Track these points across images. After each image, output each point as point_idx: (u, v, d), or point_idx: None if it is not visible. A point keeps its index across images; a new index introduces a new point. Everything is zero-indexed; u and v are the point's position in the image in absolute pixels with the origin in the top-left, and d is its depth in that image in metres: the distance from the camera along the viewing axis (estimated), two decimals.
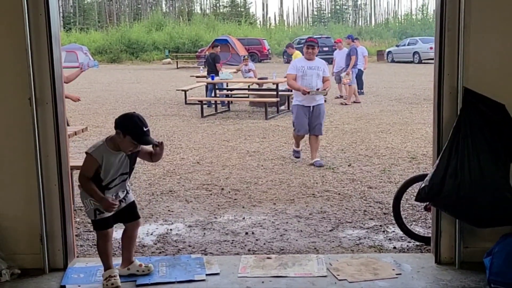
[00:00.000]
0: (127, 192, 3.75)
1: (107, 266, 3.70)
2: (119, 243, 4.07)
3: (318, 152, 7.89)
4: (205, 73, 16.09)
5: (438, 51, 3.75)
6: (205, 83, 14.95)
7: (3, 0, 3.65)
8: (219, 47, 16.11)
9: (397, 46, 37.50)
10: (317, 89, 7.48)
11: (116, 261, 3.87)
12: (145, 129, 3.47)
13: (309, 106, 7.53)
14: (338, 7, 78.93)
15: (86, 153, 3.56)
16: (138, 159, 3.77)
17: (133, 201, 3.81)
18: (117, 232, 4.06)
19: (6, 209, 3.84)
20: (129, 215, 3.77)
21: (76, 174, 5.99)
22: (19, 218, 3.86)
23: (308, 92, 7.34)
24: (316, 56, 8.77)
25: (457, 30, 3.62)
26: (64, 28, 57.27)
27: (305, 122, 7.55)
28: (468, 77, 3.66)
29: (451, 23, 3.65)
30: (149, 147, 3.68)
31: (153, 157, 3.72)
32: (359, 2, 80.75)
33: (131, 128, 3.47)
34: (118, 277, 3.68)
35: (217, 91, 14.75)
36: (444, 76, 3.73)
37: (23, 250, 3.88)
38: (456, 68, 3.66)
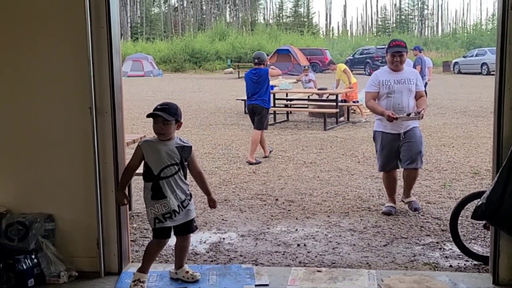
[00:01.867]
0: (189, 200, 3.83)
1: (143, 268, 3.85)
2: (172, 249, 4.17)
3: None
4: None
5: (499, 65, 3.63)
6: None
7: (67, 14, 3.83)
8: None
9: (465, 57, 36.40)
10: (409, 114, 5.54)
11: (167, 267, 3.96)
12: (158, 107, 3.74)
13: (399, 133, 5.62)
14: (403, 17, 77.52)
15: None
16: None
17: (193, 218, 3.90)
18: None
19: (65, 213, 4.01)
20: (184, 229, 3.87)
21: (134, 181, 6.17)
22: (78, 222, 4.02)
23: (396, 118, 5.44)
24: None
25: None
26: (131, 38, 59.27)
27: (393, 154, 5.66)
28: None
29: None
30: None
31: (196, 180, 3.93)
32: (425, 12, 79.03)
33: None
34: (145, 285, 3.79)
35: (276, 101, 14.77)
36: (505, 90, 3.60)
37: (80, 253, 4.03)
38: None
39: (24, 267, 3.79)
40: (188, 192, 3.85)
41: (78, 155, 3.95)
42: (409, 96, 5.66)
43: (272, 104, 14.44)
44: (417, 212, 5.71)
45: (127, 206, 4.24)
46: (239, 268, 4.16)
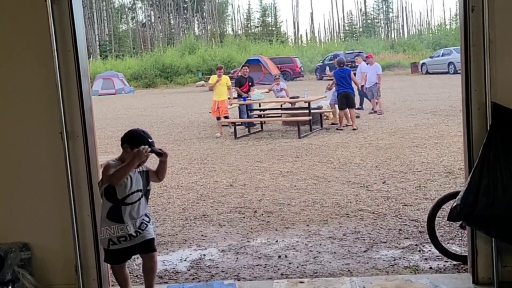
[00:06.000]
0: (147, 224, 3.72)
1: None
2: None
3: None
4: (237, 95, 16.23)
5: (464, 67, 3.70)
6: (238, 105, 14.97)
7: (33, 38, 3.79)
8: (246, 67, 16.07)
9: (431, 57, 37.04)
10: None
11: None
12: (150, 141, 3.64)
13: None
14: (369, 21, 78.59)
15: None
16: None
17: (152, 238, 3.77)
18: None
19: (41, 241, 3.94)
20: (145, 248, 3.73)
21: None
22: (54, 249, 3.94)
23: None
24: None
25: (482, 46, 3.57)
26: (100, 56, 58.77)
27: None
28: (497, 92, 3.59)
29: (475, 39, 3.60)
30: (153, 167, 3.78)
31: (159, 173, 3.76)
32: (390, 15, 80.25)
33: (137, 141, 3.62)
34: None
35: (249, 112, 14.79)
36: (471, 92, 3.67)
37: (59, 281, 3.96)
38: (483, 83, 3.60)
39: None
40: (148, 215, 3.74)
41: (51, 181, 3.89)
42: None
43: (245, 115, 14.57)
44: None
45: None
46: (221, 284, 4.13)
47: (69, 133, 3.82)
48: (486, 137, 3.59)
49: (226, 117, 13.63)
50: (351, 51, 38.05)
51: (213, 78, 14.11)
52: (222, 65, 15.48)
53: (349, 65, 34.07)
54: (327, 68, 15.02)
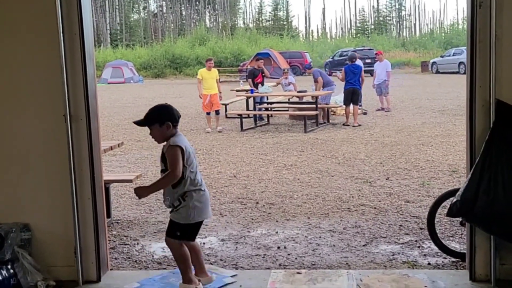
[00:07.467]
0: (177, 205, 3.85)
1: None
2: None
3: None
4: (245, 87, 16.23)
5: (470, 64, 3.68)
6: (245, 97, 14.95)
7: (39, 21, 3.80)
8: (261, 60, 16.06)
9: (442, 56, 36.84)
10: None
11: None
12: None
13: None
14: (381, 18, 78.19)
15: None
16: None
17: (172, 221, 3.85)
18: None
19: (41, 223, 3.97)
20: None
21: (113, 188, 6.14)
22: (55, 231, 3.97)
23: None
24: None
25: (488, 42, 3.55)
26: (111, 44, 58.93)
27: None
28: (501, 89, 3.57)
29: (482, 35, 3.58)
30: None
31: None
32: (403, 13, 79.80)
33: (175, 116, 3.70)
34: None
35: (257, 105, 14.79)
36: (476, 89, 3.66)
37: (58, 262, 3.98)
38: (488, 80, 3.58)
39: (0, 278, 3.74)
40: (179, 198, 3.74)
41: (53, 163, 3.91)
42: None
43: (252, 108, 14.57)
44: None
45: (106, 213, 4.21)
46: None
47: (73, 116, 3.84)
48: (488, 134, 3.57)
49: (217, 112, 13.12)
50: (362, 48, 37.92)
51: (202, 72, 13.44)
52: (212, 56, 15.20)
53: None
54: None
